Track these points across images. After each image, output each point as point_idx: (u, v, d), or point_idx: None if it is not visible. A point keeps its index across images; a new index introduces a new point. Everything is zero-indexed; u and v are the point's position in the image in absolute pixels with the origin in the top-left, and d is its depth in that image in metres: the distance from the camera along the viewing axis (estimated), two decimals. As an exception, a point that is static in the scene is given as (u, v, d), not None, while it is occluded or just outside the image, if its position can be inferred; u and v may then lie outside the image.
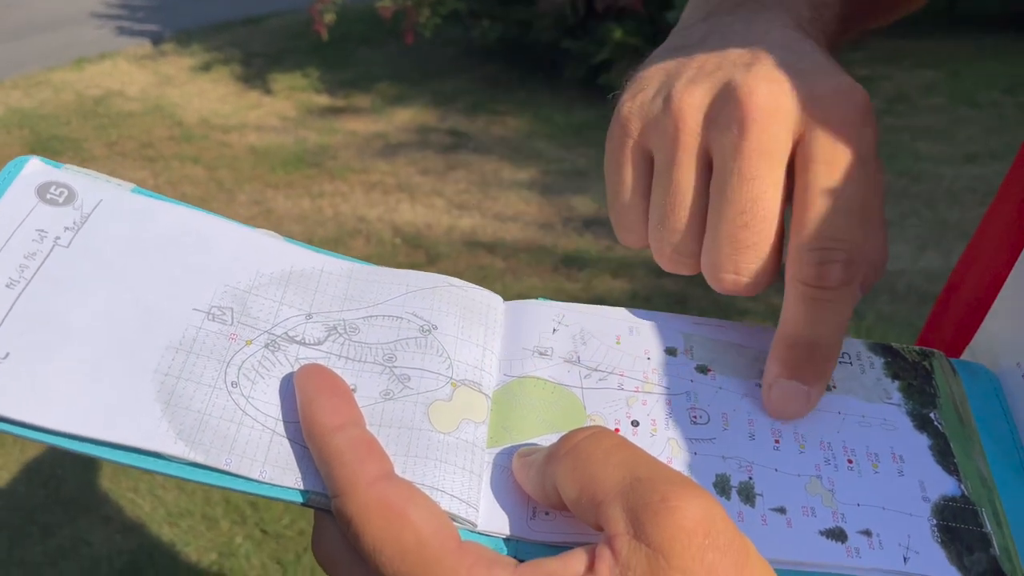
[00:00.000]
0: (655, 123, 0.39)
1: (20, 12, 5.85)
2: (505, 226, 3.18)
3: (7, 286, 0.35)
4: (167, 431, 0.33)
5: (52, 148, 3.83)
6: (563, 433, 0.33)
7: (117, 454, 0.32)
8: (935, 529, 0.35)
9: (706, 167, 0.38)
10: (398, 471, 0.33)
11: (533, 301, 0.43)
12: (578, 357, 0.41)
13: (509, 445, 0.37)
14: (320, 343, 0.38)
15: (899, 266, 2.74)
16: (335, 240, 3.05)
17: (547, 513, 0.35)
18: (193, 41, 5.34)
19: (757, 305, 2.46)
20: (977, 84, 4.16)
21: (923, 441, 0.38)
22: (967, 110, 3.93)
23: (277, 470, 0.33)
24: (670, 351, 0.41)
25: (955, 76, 4.28)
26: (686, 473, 0.36)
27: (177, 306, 0.37)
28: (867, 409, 0.39)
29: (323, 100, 4.50)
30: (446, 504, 0.33)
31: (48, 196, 0.38)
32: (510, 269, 2.88)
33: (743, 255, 0.37)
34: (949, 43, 4.63)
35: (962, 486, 0.37)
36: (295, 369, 0.36)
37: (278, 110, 4.37)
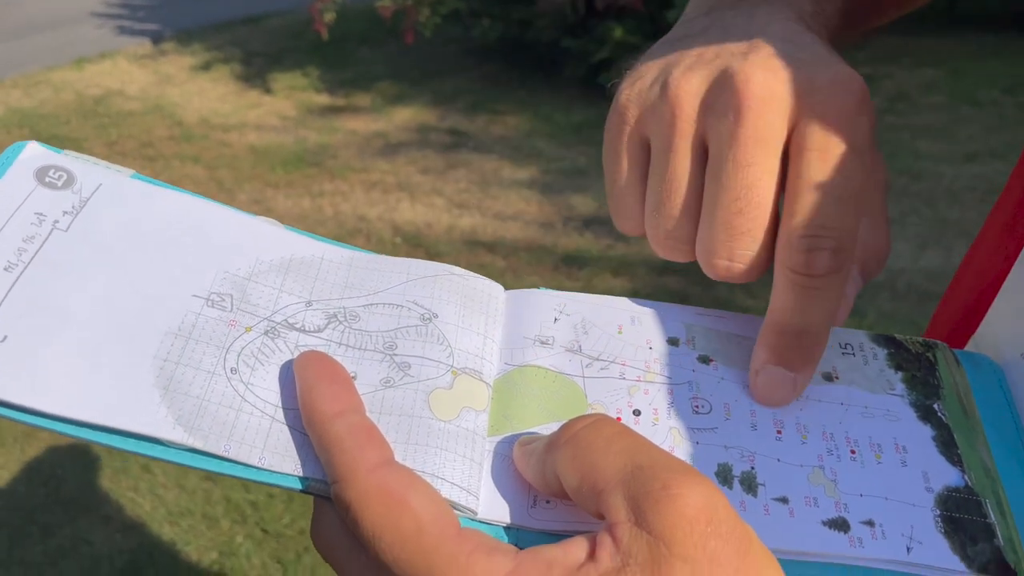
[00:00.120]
0: (652, 110, 0.39)
1: (20, 11, 5.85)
2: (505, 225, 3.18)
3: (5, 269, 0.34)
4: (166, 416, 0.33)
5: (43, 143, 3.83)
6: (564, 422, 0.33)
7: (115, 439, 0.32)
8: (938, 519, 0.35)
9: (702, 154, 0.38)
10: (398, 459, 0.33)
11: (534, 290, 0.43)
12: (579, 346, 0.40)
13: (510, 433, 0.37)
14: (320, 330, 0.38)
15: (899, 265, 2.74)
16: (335, 239, 3.05)
17: (548, 501, 0.34)
18: (193, 40, 5.34)
19: (758, 303, 2.45)
20: (977, 83, 4.16)
21: (927, 432, 0.38)
22: (967, 109, 3.93)
23: (276, 457, 0.33)
24: (672, 341, 0.41)
25: (955, 75, 4.28)
26: (688, 462, 0.36)
27: (176, 292, 0.37)
28: (870, 400, 0.39)
29: (323, 99, 4.50)
30: (446, 492, 0.33)
31: (47, 180, 0.38)
32: (510, 268, 2.88)
33: (737, 241, 0.37)
34: (950, 42, 4.63)
35: (966, 477, 0.37)
36: (295, 356, 0.36)
37: (278, 109, 4.37)
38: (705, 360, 0.40)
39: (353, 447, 0.31)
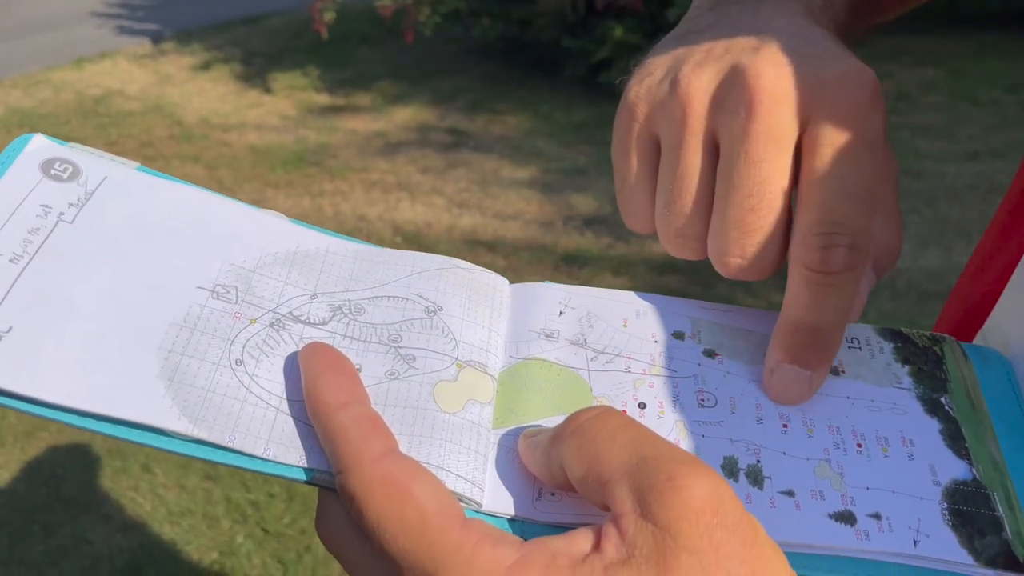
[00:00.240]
0: (662, 107, 0.39)
1: (20, 11, 5.85)
2: (505, 225, 3.18)
3: (11, 261, 0.34)
4: (171, 407, 0.33)
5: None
6: (569, 415, 0.33)
7: (120, 430, 0.32)
8: (946, 513, 0.35)
9: (713, 151, 0.38)
10: (403, 450, 0.33)
11: (540, 284, 0.43)
12: (585, 340, 0.40)
13: (515, 426, 0.36)
14: (325, 323, 0.38)
15: (900, 264, 2.74)
16: (335, 238, 3.05)
17: (552, 494, 0.34)
18: (193, 40, 5.34)
19: (759, 302, 2.45)
20: (978, 82, 4.16)
21: (934, 425, 0.38)
22: (968, 108, 3.93)
23: (281, 448, 0.33)
24: (677, 335, 0.41)
25: (956, 74, 4.28)
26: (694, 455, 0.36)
27: (181, 283, 0.37)
28: (877, 394, 0.39)
29: (323, 99, 4.50)
30: (451, 483, 0.33)
31: (52, 172, 0.38)
32: (511, 267, 2.88)
33: (750, 239, 0.37)
34: (950, 41, 4.63)
35: (973, 470, 0.36)
36: (299, 348, 0.36)
37: (278, 109, 4.37)
38: (711, 354, 0.40)
39: (357, 437, 0.31)
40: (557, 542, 0.29)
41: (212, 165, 3.73)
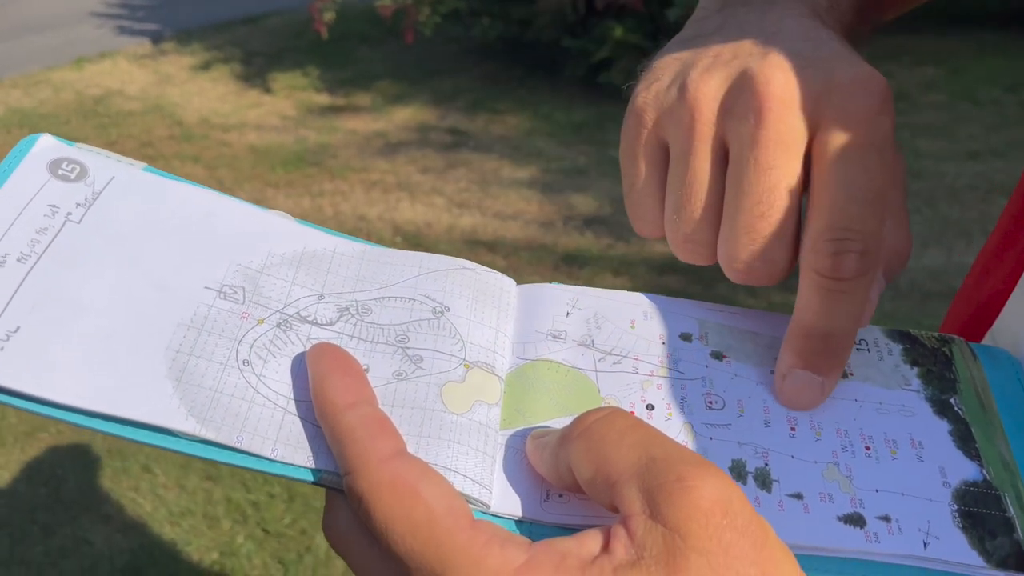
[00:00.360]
0: (670, 113, 0.39)
1: (19, 11, 5.85)
2: (505, 225, 3.18)
3: (19, 260, 0.34)
4: (178, 408, 0.33)
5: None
6: (577, 416, 0.33)
7: (127, 430, 0.32)
8: (956, 514, 0.35)
9: (722, 157, 0.38)
10: (411, 451, 0.33)
11: (547, 285, 0.43)
12: (592, 341, 0.40)
13: (522, 427, 0.36)
14: (332, 323, 0.38)
15: (901, 263, 2.73)
16: (336, 238, 3.05)
17: (560, 495, 0.34)
18: (193, 40, 5.34)
19: (759, 302, 2.45)
20: (978, 81, 4.16)
21: (943, 427, 0.38)
22: (968, 107, 3.93)
23: (289, 448, 0.33)
24: (685, 336, 0.41)
25: (956, 73, 4.28)
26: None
27: (188, 284, 0.37)
28: (885, 396, 0.39)
29: (323, 99, 4.50)
30: (459, 485, 0.33)
31: (60, 172, 0.38)
32: (511, 267, 2.88)
33: (760, 245, 0.37)
34: (950, 40, 4.63)
35: (984, 471, 0.36)
36: (307, 349, 0.36)
37: (278, 109, 4.37)
38: (718, 356, 0.40)
39: (365, 438, 0.31)
40: (566, 543, 0.29)
41: (212, 165, 3.73)
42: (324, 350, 0.34)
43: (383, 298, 0.39)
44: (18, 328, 0.32)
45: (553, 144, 3.84)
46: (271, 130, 4.11)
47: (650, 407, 0.38)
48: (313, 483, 0.33)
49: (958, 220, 3.01)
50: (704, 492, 0.28)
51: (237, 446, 0.33)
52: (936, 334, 0.42)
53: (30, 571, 1.82)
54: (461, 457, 0.34)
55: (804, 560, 0.33)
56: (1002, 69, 4.25)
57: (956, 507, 0.35)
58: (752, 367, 0.40)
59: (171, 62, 5.02)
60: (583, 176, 3.51)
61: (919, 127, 3.69)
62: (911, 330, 0.42)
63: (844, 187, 0.35)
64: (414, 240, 3.06)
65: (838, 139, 0.35)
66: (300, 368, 0.35)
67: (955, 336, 0.43)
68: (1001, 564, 0.33)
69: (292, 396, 0.35)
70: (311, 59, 4.96)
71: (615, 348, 0.40)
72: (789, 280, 0.39)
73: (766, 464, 0.36)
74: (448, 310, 0.39)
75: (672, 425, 0.37)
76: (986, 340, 0.49)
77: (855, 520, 0.34)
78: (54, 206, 0.37)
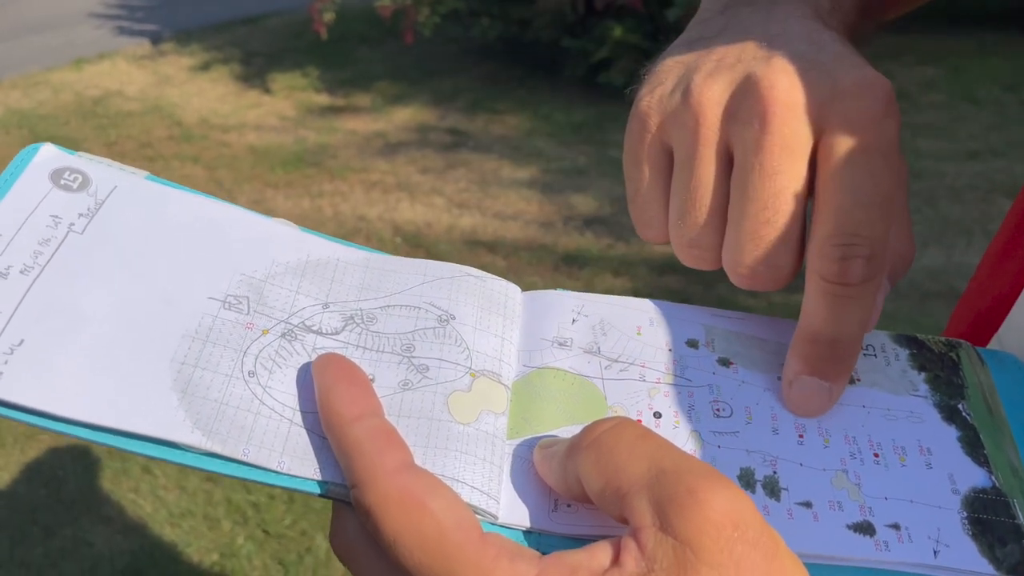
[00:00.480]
0: (674, 117, 0.38)
1: (18, 12, 5.85)
2: (505, 225, 3.17)
3: (21, 272, 0.34)
4: (184, 420, 0.32)
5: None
6: (584, 425, 0.33)
7: (132, 444, 0.32)
8: (965, 521, 0.34)
9: (726, 161, 0.37)
10: (418, 462, 0.33)
11: (552, 291, 0.42)
12: (598, 348, 0.40)
13: (529, 436, 0.36)
14: (337, 333, 0.37)
15: (901, 263, 2.73)
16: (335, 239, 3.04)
17: (568, 505, 0.34)
18: (192, 41, 5.34)
19: (759, 303, 2.45)
20: (978, 81, 4.16)
21: (951, 433, 0.38)
22: (968, 107, 3.93)
23: (295, 460, 0.33)
24: (691, 343, 0.40)
25: (956, 73, 4.28)
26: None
27: (193, 294, 0.36)
28: (893, 402, 0.39)
29: (322, 99, 4.49)
30: (467, 495, 0.33)
31: (62, 182, 0.38)
32: (511, 268, 2.88)
33: (765, 250, 0.37)
34: (950, 40, 4.63)
35: (993, 477, 0.36)
36: (312, 359, 0.36)
37: (277, 110, 4.37)
38: (725, 363, 0.40)
39: (372, 451, 0.31)
40: (576, 556, 0.29)
41: (211, 166, 3.73)
42: (330, 360, 0.34)
43: (388, 307, 0.39)
44: (22, 341, 0.32)
45: (553, 144, 3.84)
46: (271, 130, 4.11)
47: (657, 415, 0.37)
48: (320, 495, 0.33)
49: (958, 220, 3.01)
50: (715, 504, 0.27)
51: (243, 459, 0.32)
52: (943, 338, 0.42)
53: (30, 572, 1.82)
54: (468, 468, 0.34)
55: (814, 569, 0.33)
56: (1002, 69, 4.25)
57: (965, 514, 0.35)
58: (759, 374, 0.39)
59: (170, 63, 5.01)
60: (583, 176, 3.51)
61: (919, 126, 3.69)
62: (918, 335, 0.42)
63: (850, 192, 0.35)
64: (414, 240, 3.06)
65: (843, 143, 0.35)
66: (306, 379, 0.35)
67: (962, 341, 0.42)
68: (1011, 571, 0.33)
69: (298, 407, 0.34)
70: (311, 59, 4.95)
71: (621, 355, 0.40)
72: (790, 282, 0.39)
73: (775, 472, 0.36)
74: (453, 318, 0.39)
75: (680, 433, 0.37)
76: (992, 344, 0.49)
77: (865, 528, 0.34)
78: (56, 217, 0.36)
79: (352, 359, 0.35)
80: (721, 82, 0.37)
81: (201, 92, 4.59)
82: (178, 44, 5.31)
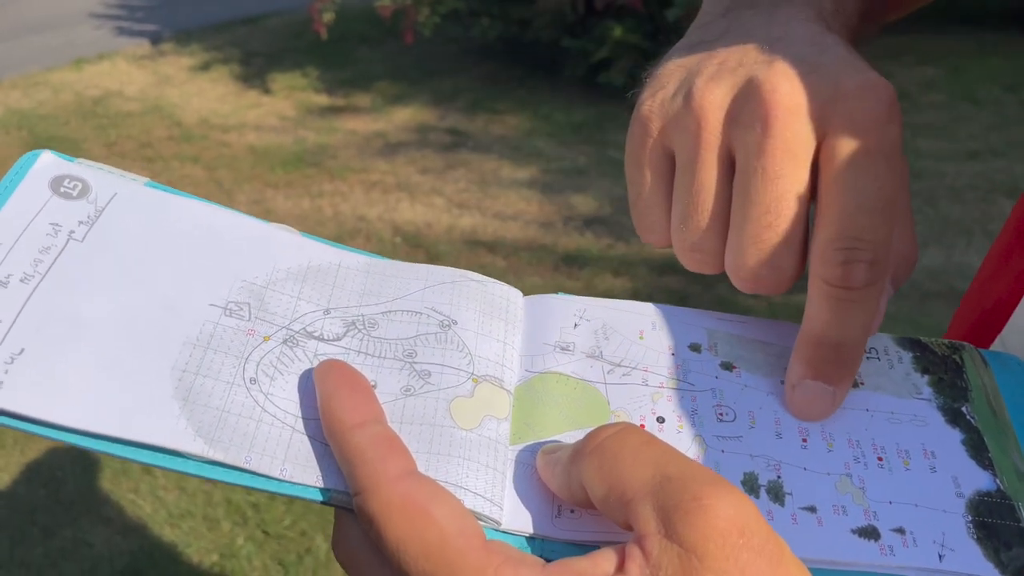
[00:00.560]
0: (676, 121, 0.38)
1: (18, 12, 5.84)
2: (505, 225, 3.17)
3: (21, 281, 0.34)
4: (185, 428, 0.32)
5: (51, 149, 3.81)
6: (587, 429, 0.33)
7: (134, 452, 0.32)
8: (970, 525, 0.34)
9: (728, 165, 0.37)
10: (421, 468, 0.32)
11: (553, 296, 0.42)
12: (601, 352, 0.40)
13: (532, 442, 0.36)
14: (339, 339, 0.37)
15: (901, 264, 2.73)
16: (335, 240, 3.03)
17: (572, 511, 0.34)
18: (192, 41, 5.33)
19: (759, 303, 2.45)
20: (978, 81, 4.16)
21: (955, 436, 0.38)
22: (968, 107, 3.93)
23: (297, 468, 0.33)
24: (694, 347, 0.40)
25: (956, 73, 4.28)
26: (714, 471, 0.35)
27: (193, 301, 0.36)
28: (896, 405, 0.39)
29: (322, 99, 4.49)
30: (470, 502, 0.33)
31: (62, 189, 0.37)
32: (511, 268, 2.88)
33: (768, 254, 0.37)
34: (950, 40, 4.63)
35: (997, 481, 0.36)
36: (314, 365, 0.36)
37: (277, 110, 4.36)
38: (728, 367, 0.40)
39: (375, 458, 0.31)
40: (580, 563, 0.29)
41: (211, 166, 3.73)
42: (331, 367, 0.34)
43: (390, 312, 0.39)
44: (23, 350, 0.32)
45: (553, 144, 3.84)
46: (270, 131, 4.11)
47: (660, 420, 0.37)
48: (322, 503, 0.33)
49: (958, 220, 3.01)
50: (720, 511, 0.27)
51: (245, 466, 0.32)
52: (946, 341, 0.42)
53: (30, 573, 1.82)
54: (471, 474, 0.34)
55: (819, 575, 0.33)
56: (1002, 69, 4.25)
57: (970, 518, 0.35)
58: (762, 378, 0.39)
59: (170, 63, 5.01)
60: (583, 176, 3.51)
61: (919, 126, 3.68)
62: (921, 337, 0.42)
63: (853, 196, 0.35)
64: (414, 241, 3.06)
65: (846, 147, 0.35)
66: (307, 385, 0.35)
67: (965, 343, 0.42)
68: (1017, 575, 0.33)
69: (300, 414, 0.34)
70: (310, 60, 4.95)
71: (624, 360, 0.40)
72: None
73: (779, 477, 0.36)
74: (455, 323, 0.39)
75: (683, 438, 0.37)
76: (995, 346, 0.49)
77: (869, 533, 0.34)
78: (56, 224, 0.36)
79: (354, 365, 0.35)
80: (723, 86, 0.37)
81: (201, 92, 4.59)
82: (178, 44, 5.30)
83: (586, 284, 2.75)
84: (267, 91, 4.59)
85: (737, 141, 0.37)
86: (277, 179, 3.59)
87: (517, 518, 0.34)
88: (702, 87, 0.37)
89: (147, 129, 4.12)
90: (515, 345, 0.40)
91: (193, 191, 0.40)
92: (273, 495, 1.71)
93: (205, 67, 4.92)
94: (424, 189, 3.46)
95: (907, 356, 0.41)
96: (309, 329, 0.37)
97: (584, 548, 0.32)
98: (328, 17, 4.64)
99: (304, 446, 0.33)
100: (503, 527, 0.33)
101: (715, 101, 0.37)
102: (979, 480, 0.36)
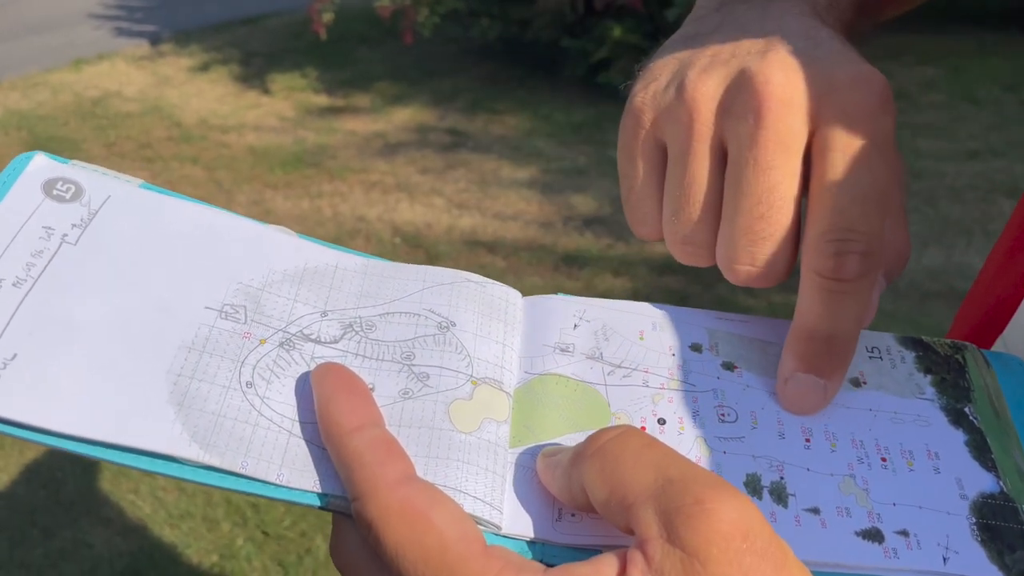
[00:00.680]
0: (668, 113, 0.38)
1: (18, 12, 5.84)
2: (505, 225, 3.17)
3: (14, 285, 0.33)
4: (181, 433, 0.32)
5: (50, 149, 3.73)
6: (587, 432, 0.32)
7: (129, 458, 0.31)
8: (974, 527, 0.34)
9: (720, 157, 0.37)
10: (419, 472, 0.32)
11: (552, 296, 0.42)
12: (601, 353, 0.39)
13: (532, 445, 0.36)
14: (336, 341, 0.37)
15: (901, 263, 2.73)
16: (334, 240, 3.04)
17: (573, 514, 0.33)
18: (191, 41, 5.33)
19: (759, 303, 2.45)
20: (978, 81, 4.15)
21: (959, 437, 0.37)
22: (968, 107, 3.92)
23: (295, 473, 0.32)
24: (695, 347, 0.40)
25: (956, 73, 4.28)
26: (716, 473, 0.35)
27: (189, 304, 0.36)
28: (899, 405, 0.38)
29: (322, 100, 4.49)
30: (469, 506, 0.32)
31: (55, 192, 0.37)
32: (511, 268, 2.87)
33: (759, 246, 0.36)
34: (950, 40, 4.63)
35: (1000, 482, 0.36)
36: (311, 368, 0.35)
37: (277, 110, 4.36)
38: (729, 367, 0.39)
39: (373, 462, 0.31)
40: (581, 569, 0.28)
41: (211, 166, 3.72)
42: (329, 370, 0.34)
43: (387, 314, 0.38)
44: (15, 355, 0.31)
45: (553, 144, 3.83)
46: (270, 131, 4.10)
47: (661, 421, 0.37)
48: (320, 508, 0.32)
49: (958, 220, 3.01)
50: (723, 515, 0.27)
51: (242, 471, 0.32)
52: (948, 341, 0.42)
53: (30, 574, 1.82)
54: (471, 478, 0.33)
55: None
56: (1002, 69, 4.25)
57: (974, 520, 0.34)
58: (764, 377, 0.39)
59: (169, 63, 5.01)
60: (583, 176, 3.50)
61: (919, 126, 3.68)
62: (923, 337, 0.42)
63: (845, 187, 0.35)
64: (413, 241, 3.06)
65: (839, 138, 0.35)
66: (304, 388, 0.35)
67: (968, 343, 0.42)
68: None
69: (297, 418, 0.34)
70: (310, 60, 4.95)
71: (624, 361, 0.39)
72: (790, 281, 0.39)
73: (781, 478, 0.35)
74: (454, 325, 0.38)
75: (685, 439, 0.36)
76: (996, 346, 0.48)
77: (873, 535, 0.34)
78: (49, 228, 0.36)
79: (351, 368, 0.35)
80: (715, 77, 0.37)
81: (200, 93, 4.58)
82: (177, 45, 5.30)
83: (586, 284, 2.74)
84: (266, 91, 4.59)
85: (729, 132, 0.36)
86: (276, 180, 3.59)
87: (517, 522, 0.33)
88: (695, 79, 0.37)
89: (146, 130, 4.12)
90: (514, 347, 0.39)
91: (192, 192, 0.39)
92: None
93: (204, 68, 4.92)
94: (424, 189, 3.46)
95: (910, 356, 0.41)
96: (306, 332, 0.37)
97: (585, 552, 0.31)
98: (327, 17, 4.64)
99: (301, 450, 0.33)
100: (503, 531, 0.33)
101: (708, 92, 0.37)
102: (983, 482, 0.36)
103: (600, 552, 0.30)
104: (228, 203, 3.36)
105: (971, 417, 0.38)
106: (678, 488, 0.28)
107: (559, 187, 3.42)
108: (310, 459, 0.33)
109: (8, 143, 3.94)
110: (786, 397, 0.38)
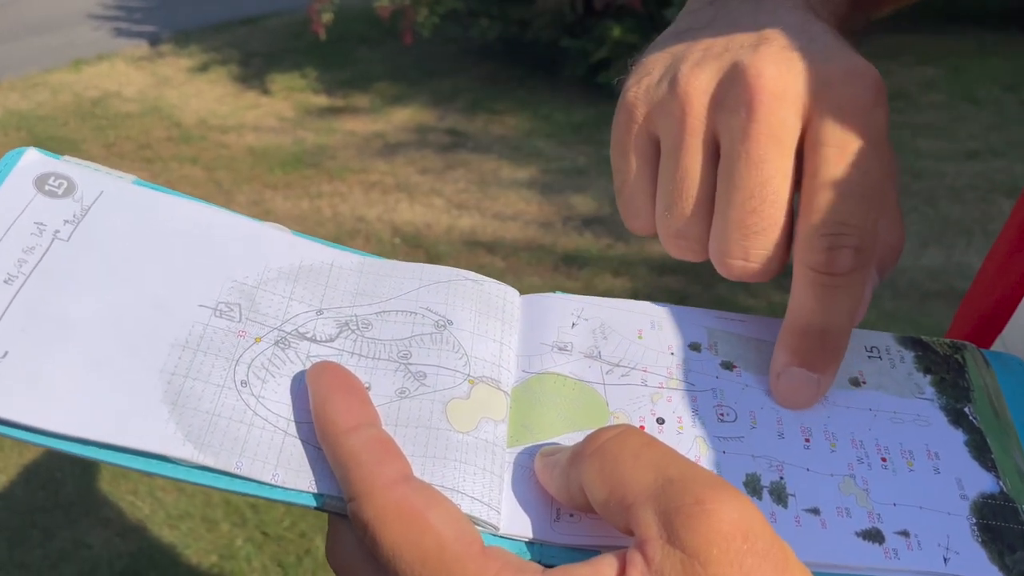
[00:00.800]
0: (661, 107, 0.38)
1: (17, 13, 5.84)
2: (505, 225, 3.17)
3: (5, 282, 0.33)
4: (175, 433, 0.31)
5: (50, 149, 3.73)
6: (585, 431, 0.32)
7: (122, 457, 0.31)
8: (975, 528, 0.34)
9: (713, 151, 0.37)
10: (416, 473, 0.32)
11: (550, 295, 0.42)
12: (599, 352, 0.39)
13: (530, 444, 0.35)
14: (332, 340, 0.36)
15: (901, 263, 2.72)
16: (334, 240, 3.02)
17: (571, 515, 0.33)
18: (191, 42, 5.33)
19: (759, 303, 2.44)
20: (978, 81, 4.15)
21: (958, 437, 0.37)
22: (968, 107, 3.92)
23: (290, 473, 0.32)
24: (694, 347, 0.40)
25: (956, 73, 4.28)
26: (716, 473, 0.35)
27: (183, 302, 0.35)
28: (899, 405, 0.38)
29: (321, 100, 4.49)
30: (467, 507, 0.32)
31: (47, 188, 0.36)
32: (510, 268, 2.87)
33: (752, 241, 0.36)
34: (949, 40, 4.62)
35: (1000, 483, 0.35)
36: (306, 367, 0.35)
37: (276, 110, 4.36)
38: (728, 366, 0.39)
39: (370, 462, 0.30)
40: (580, 570, 0.28)
41: (210, 167, 3.72)
42: (324, 369, 0.33)
43: (384, 312, 0.38)
44: (6, 353, 0.31)
45: (552, 144, 3.83)
46: (269, 131, 4.10)
47: (660, 421, 0.37)
48: (316, 509, 0.32)
49: (958, 220, 3.01)
50: (724, 515, 0.27)
51: (236, 472, 0.31)
52: (948, 340, 0.42)
53: (29, 574, 1.82)
54: (468, 478, 0.33)
55: None
56: (1002, 69, 4.25)
57: (974, 520, 0.34)
58: (763, 377, 0.39)
59: (169, 64, 5.01)
60: (582, 176, 3.50)
61: (919, 126, 3.68)
62: (923, 337, 0.42)
63: (838, 181, 0.34)
64: (413, 241, 3.05)
65: (832, 132, 0.35)
66: (300, 387, 0.34)
67: (967, 343, 0.42)
68: None
69: (292, 417, 0.34)
70: (309, 60, 4.95)
71: (623, 360, 0.39)
72: (789, 280, 0.38)
73: (781, 478, 0.35)
74: (451, 323, 0.38)
75: (684, 439, 0.36)
76: (996, 346, 0.48)
77: (873, 536, 0.33)
78: (41, 224, 0.35)
79: (347, 367, 0.35)
80: (708, 71, 0.37)
81: (200, 93, 4.58)
82: (176, 45, 5.30)
83: (585, 284, 2.74)
84: (266, 92, 4.58)
85: (722, 126, 0.36)
86: (276, 180, 3.59)
87: (515, 522, 0.33)
88: (687, 72, 0.37)
89: (146, 130, 4.11)
90: (512, 345, 0.39)
91: (192, 192, 0.39)
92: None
93: (204, 68, 4.92)
94: (423, 189, 3.45)
95: (909, 356, 0.40)
96: (301, 330, 0.36)
97: (584, 553, 0.31)
98: (327, 18, 4.63)
99: (297, 450, 0.33)
100: (501, 532, 0.33)
101: (700, 86, 0.37)
102: (983, 482, 0.35)
103: (599, 553, 0.29)
104: (227, 203, 3.35)
105: (971, 417, 0.38)
106: (678, 488, 0.28)
107: (559, 187, 3.42)
108: (306, 459, 0.33)
109: (7, 143, 3.94)
110: (779, 391, 0.38)
